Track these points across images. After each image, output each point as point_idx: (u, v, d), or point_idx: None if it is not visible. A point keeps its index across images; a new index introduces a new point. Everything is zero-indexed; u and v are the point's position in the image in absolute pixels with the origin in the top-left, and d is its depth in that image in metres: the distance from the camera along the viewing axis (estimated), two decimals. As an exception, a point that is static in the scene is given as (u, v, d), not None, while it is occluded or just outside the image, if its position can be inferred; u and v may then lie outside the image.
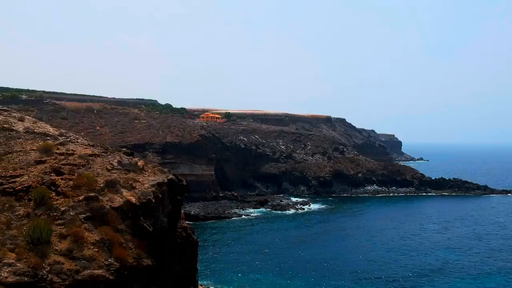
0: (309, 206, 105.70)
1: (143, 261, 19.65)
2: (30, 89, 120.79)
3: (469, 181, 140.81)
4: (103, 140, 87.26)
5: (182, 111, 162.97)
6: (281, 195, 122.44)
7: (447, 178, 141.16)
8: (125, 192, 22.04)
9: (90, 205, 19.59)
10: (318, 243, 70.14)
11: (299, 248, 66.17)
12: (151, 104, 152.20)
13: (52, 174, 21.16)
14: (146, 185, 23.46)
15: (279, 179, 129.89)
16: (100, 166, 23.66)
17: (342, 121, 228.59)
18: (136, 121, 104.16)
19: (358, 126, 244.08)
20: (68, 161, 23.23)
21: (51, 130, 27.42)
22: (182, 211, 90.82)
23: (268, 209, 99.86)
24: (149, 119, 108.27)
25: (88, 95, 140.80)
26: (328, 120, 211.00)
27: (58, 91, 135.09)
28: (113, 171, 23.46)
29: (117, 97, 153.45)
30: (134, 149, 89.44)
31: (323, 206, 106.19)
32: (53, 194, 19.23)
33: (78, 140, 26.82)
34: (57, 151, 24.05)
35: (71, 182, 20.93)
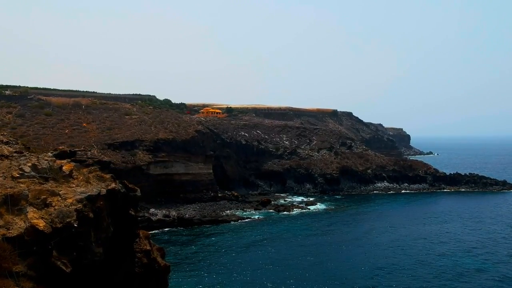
0: (316, 205, 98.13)
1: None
2: (17, 85, 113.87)
3: (486, 176, 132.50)
4: (89, 137, 79.92)
5: (182, 107, 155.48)
6: (285, 193, 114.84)
7: (462, 173, 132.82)
8: (32, 213, 14.42)
9: (-32, 235, 12.30)
10: (327, 254, 60.12)
11: (306, 259, 57.25)
12: (149, 100, 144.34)
13: None
14: (70, 200, 15.72)
15: (283, 177, 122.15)
16: (3, 173, 16.10)
17: (349, 114, 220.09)
18: (127, 116, 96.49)
19: (365, 120, 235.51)
20: (-42, 165, 15.77)
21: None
22: (175, 214, 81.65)
23: (270, 210, 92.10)
24: (142, 114, 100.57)
25: (80, 91, 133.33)
26: (334, 114, 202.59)
27: (51, 87, 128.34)
28: (21, 180, 15.82)
29: (113, 92, 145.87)
30: (122, 146, 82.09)
31: (330, 206, 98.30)
32: None
33: (-12, 136, 19.20)
34: None
35: None
